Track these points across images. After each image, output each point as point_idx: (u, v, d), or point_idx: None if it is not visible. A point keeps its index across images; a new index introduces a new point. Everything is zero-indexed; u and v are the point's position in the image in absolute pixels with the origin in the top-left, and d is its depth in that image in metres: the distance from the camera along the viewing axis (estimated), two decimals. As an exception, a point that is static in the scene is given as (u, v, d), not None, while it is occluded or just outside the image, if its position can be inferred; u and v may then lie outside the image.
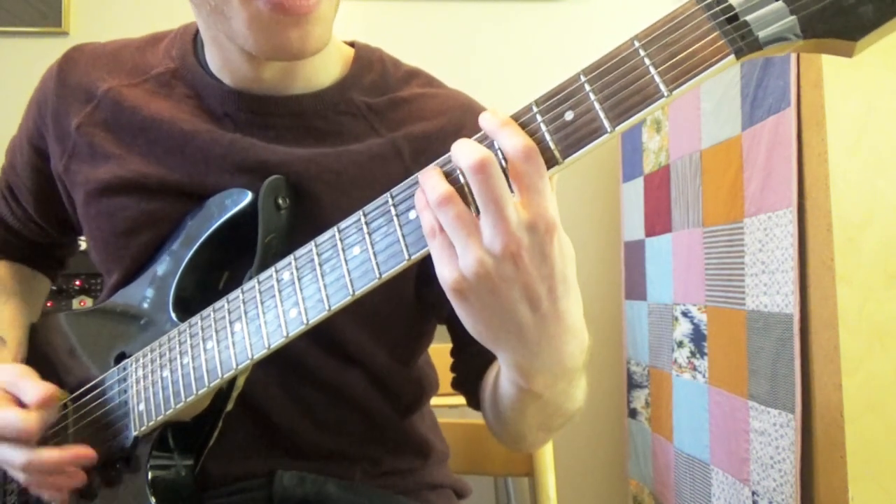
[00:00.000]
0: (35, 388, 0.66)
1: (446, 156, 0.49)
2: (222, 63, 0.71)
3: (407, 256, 0.50)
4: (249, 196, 0.67)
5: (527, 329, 0.48)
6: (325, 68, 0.74)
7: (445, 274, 0.47)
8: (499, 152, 0.46)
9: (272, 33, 0.61)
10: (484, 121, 0.47)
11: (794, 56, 1.16)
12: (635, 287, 1.91)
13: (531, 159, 0.44)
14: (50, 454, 0.66)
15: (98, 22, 2.06)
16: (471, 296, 0.47)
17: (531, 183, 0.44)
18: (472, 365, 0.74)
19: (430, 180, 0.47)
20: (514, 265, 0.45)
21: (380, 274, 0.51)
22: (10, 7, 2.02)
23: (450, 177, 0.48)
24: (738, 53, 0.41)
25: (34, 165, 0.80)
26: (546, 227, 0.45)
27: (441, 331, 0.84)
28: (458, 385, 0.78)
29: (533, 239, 0.45)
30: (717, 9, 0.41)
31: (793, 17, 0.40)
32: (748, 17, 0.41)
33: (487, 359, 0.71)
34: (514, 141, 0.44)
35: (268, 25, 0.61)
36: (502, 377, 0.60)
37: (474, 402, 0.76)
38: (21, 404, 0.67)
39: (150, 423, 0.66)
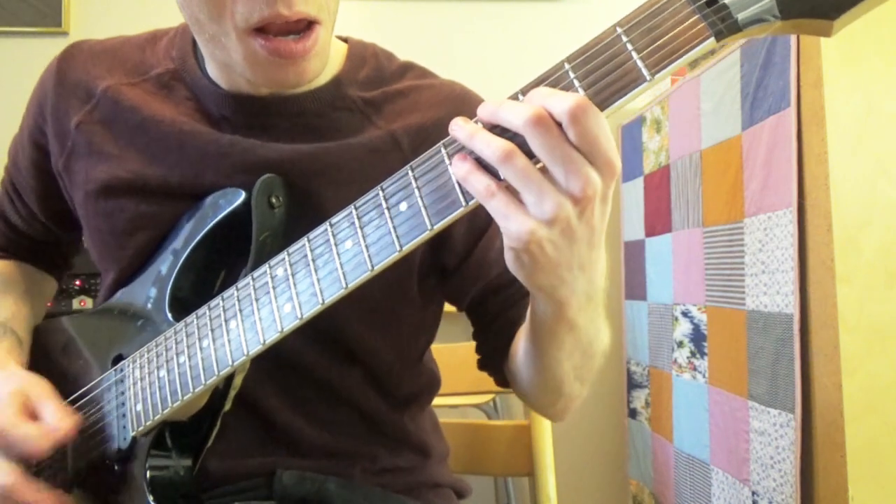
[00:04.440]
0: (58, 414, 0.65)
1: (433, 149, 0.50)
2: (219, 71, 0.72)
3: (398, 248, 0.50)
4: (243, 195, 0.67)
5: (578, 260, 0.50)
6: None
7: (517, 227, 0.46)
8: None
9: (269, 71, 0.63)
10: (515, 103, 0.47)
11: (793, 56, 1.16)
12: (635, 287, 1.91)
13: (587, 111, 0.44)
14: (31, 491, 0.64)
15: (98, 22, 2.07)
16: (544, 244, 0.47)
17: (591, 130, 0.44)
18: (496, 343, 0.75)
19: (483, 139, 0.47)
20: (588, 209, 0.46)
21: (372, 266, 0.52)
22: (10, 7, 2.02)
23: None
24: (718, 36, 0.42)
25: (36, 163, 0.80)
26: (612, 171, 0.46)
27: (443, 330, 0.84)
28: (485, 365, 0.79)
29: (604, 182, 0.46)
30: None
31: None
32: (727, 0, 0.42)
33: (510, 333, 0.73)
34: (565, 102, 0.44)
35: (264, 64, 0.62)
36: (535, 320, 0.60)
37: (501, 380, 0.78)
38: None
39: (148, 423, 0.65)
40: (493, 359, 0.77)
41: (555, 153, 0.44)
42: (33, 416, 0.66)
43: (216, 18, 0.61)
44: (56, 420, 0.65)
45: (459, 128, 0.48)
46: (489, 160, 0.46)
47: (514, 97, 0.47)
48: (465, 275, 0.75)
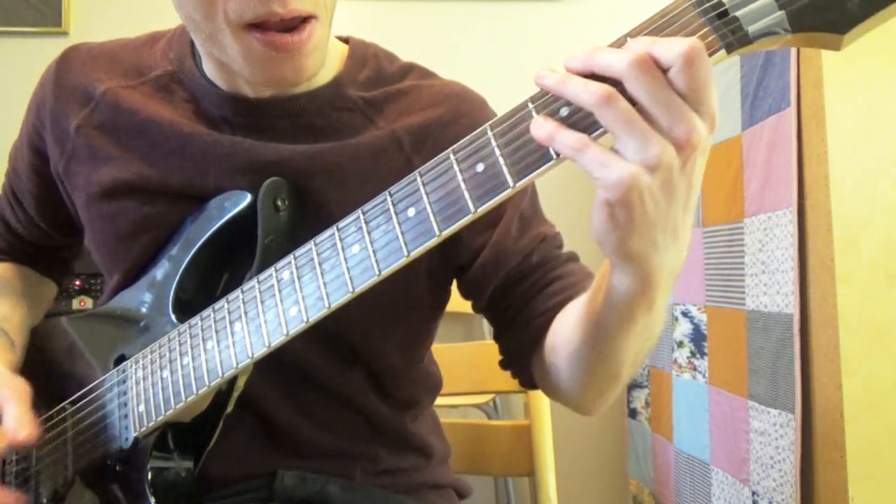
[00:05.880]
0: (20, 420, 0.64)
1: (442, 156, 0.49)
2: (218, 72, 0.71)
3: (406, 253, 0.51)
4: (248, 198, 0.67)
5: (673, 223, 0.47)
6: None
7: (618, 174, 0.43)
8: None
9: (266, 67, 0.63)
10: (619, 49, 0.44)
11: (794, 56, 1.16)
12: (635, 287, 1.91)
13: (702, 56, 0.42)
14: None
15: (98, 22, 2.06)
16: (644, 195, 0.44)
17: (702, 77, 0.42)
18: (523, 338, 0.71)
19: (578, 83, 0.44)
20: (690, 159, 0.44)
21: (379, 271, 0.52)
22: (10, 7, 2.02)
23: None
24: (729, 48, 0.42)
25: (35, 168, 0.80)
26: (713, 122, 0.44)
27: (443, 330, 0.84)
28: (510, 363, 0.75)
29: (708, 133, 0.44)
30: (707, 5, 0.42)
31: (781, 13, 0.41)
32: (738, 13, 0.42)
33: (537, 326, 0.69)
34: (680, 45, 0.42)
35: (261, 59, 0.62)
36: (611, 299, 0.54)
37: (528, 379, 0.74)
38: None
39: (150, 424, 0.66)
40: (520, 356, 0.73)
41: (659, 97, 0.42)
42: None
43: (210, 16, 0.61)
44: (12, 426, 0.64)
45: (548, 75, 0.45)
46: (587, 104, 0.43)
47: (621, 42, 0.45)
48: (483, 268, 0.72)
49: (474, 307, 0.77)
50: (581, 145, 0.44)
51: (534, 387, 0.74)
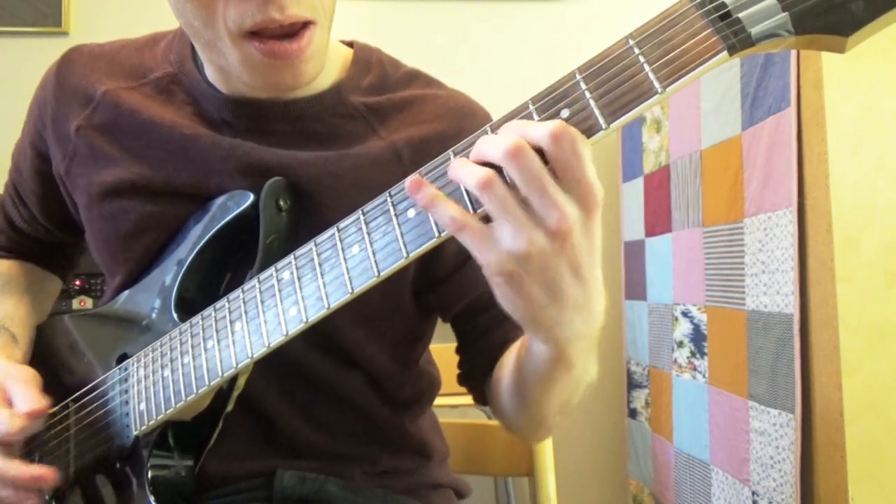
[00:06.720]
0: (28, 397, 0.65)
1: (443, 156, 0.49)
2: (218, 76, 0.72)
3: (405, 254, 0.50)
4: (251, 198, 0.67)
5: (571, 299, 0.48)
6: (322, 71, 0.73)
7: (491, 259, 0.46)
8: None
9: (265, 74, 0.63)
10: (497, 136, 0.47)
11: (794, 56, 1.16)
12: (635, 287, 1.91)
13: (567, 133, 0.43)
14: (13, 467, 0.65)
15: (98, 22, 2.07)
16: (520, 277, 0.46)
17: (570, 155, 0.44)
18: (479, 360, 0.75)
19: (466, 168, 0.46)
20: (567, 244, 0.45)
21: (378, 272, 0.52)
22: (10, 7, 2.03)
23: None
24: (731, 50, 0.42)
25: (37, 168, 0.80)
26: (591, 202, 0.45)
27: (441, 330, 0.84)
28: (465, 380, 0.78)
29: (585, 214, 0.46)
30: (710, 6, 0.42)
31: (785, 14, 0.40)
32: (740, 14, 0.41)
33: (495, 354, 0.72)
34: (545, 127, 0.44)
35: (260, 66, 0.62)
36: (531, 358, 0.59)
37: (480, 397, 0.77)
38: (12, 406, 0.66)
39: (151, 423, 0.66)
40: (474, 376, 0.76)
41: (533, 182, 0.44)
42: (9, 402, 0.66)
43: (210, 24, 0.61)
44: (25, 404, 0.65)
45: (450, 159, 0.48)
46: (470, 187, 0.46)
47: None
48: (452, 288, 0.74)
49: (441, 320, 0.80)
50: (455, 225, 0.46)
51: (485, 403, 0.77)
